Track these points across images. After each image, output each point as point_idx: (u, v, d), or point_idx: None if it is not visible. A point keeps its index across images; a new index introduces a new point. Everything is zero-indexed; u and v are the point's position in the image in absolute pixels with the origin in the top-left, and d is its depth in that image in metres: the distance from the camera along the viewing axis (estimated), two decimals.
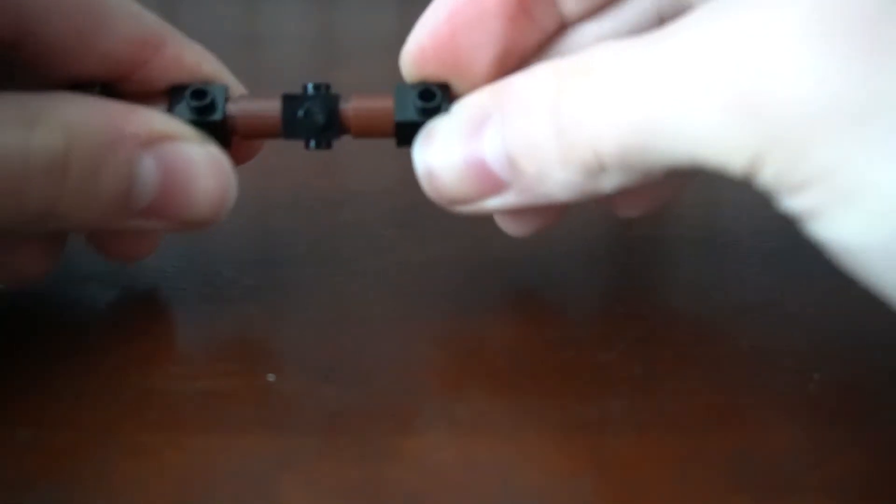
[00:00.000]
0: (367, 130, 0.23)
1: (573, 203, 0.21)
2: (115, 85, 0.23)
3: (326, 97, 0.23)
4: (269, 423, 0.21)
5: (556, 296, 0.26)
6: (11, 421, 0.20)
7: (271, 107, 0.23)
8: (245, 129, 0.23)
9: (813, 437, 0.20)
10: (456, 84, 0.23)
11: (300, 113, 0.23)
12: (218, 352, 0.23)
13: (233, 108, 0.23)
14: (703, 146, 0.18)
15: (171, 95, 0.23)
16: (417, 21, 0.22)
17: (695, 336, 0.24)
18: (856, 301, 0.19)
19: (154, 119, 0.22)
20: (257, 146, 0.25)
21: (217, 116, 0.23)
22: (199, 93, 0.23)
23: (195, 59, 0.23)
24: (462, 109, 0.22)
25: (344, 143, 0.24)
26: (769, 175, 0.18)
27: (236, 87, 0.24)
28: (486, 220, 0.25)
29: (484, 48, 0.22)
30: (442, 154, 0.22)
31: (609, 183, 0.20)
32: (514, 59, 0.23)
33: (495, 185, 0.21)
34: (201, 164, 0.22)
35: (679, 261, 0.28)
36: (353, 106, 0.23)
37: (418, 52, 0.22)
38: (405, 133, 0.23)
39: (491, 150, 0.21)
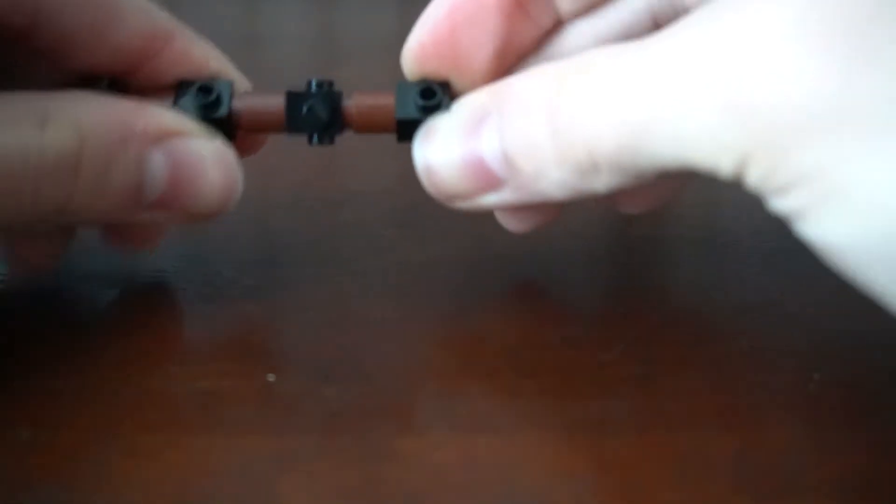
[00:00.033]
0: (369, 127, 0.23)
1: (568, 202, 0.22)
2: (123, 79, 0.23)
3: (330, 94, 0.23)
4: (269, 423, 0.21)
5: (557, 296, 0.26)
6: (11, 421, 0.20)
7: (275, 103, 0.23)
8: (249, 125, 0.23)
9: (813, 437, 0.20)
10: (456, 81, 0.23)
11: (304, 109, 0.23)
12: (218, 352, 0.23)
13: (238, 104, 0.23)
14: (694, 148, 0.18)
15: (177, 90, 0.23)
16: (418, 20, 0.23)
17: (695, 336, 0.24)
18: (856, 301, 0.19)
19: (163, 116, 0.22)
20: (262, 139, 0.26)
21: (222, 112, 0.23)
22: (206, 88, 0.23)
23: (202, 54, 0.24)
24: (462, 108, 0.22)
25: (344, 144, 0.24)
26: (755, 177, 0.18)
27: (241, 82, 0.24)
28: (486, 220, 0.25)
29: (482, 44, 0.23)
30: (441, 151, 0.22)
31: (602, 184, 0.20)
32: (511, 57, 0.23)
33: (492, 182, 0.22)
34: (209, 158, 0.22)
35: (679, 261, 0.28)
36: (355, 103, 0.23)
37: (419, 49, 0.23)
38: (406, 130, 0.23)
39: (489, 148, 0.21)
